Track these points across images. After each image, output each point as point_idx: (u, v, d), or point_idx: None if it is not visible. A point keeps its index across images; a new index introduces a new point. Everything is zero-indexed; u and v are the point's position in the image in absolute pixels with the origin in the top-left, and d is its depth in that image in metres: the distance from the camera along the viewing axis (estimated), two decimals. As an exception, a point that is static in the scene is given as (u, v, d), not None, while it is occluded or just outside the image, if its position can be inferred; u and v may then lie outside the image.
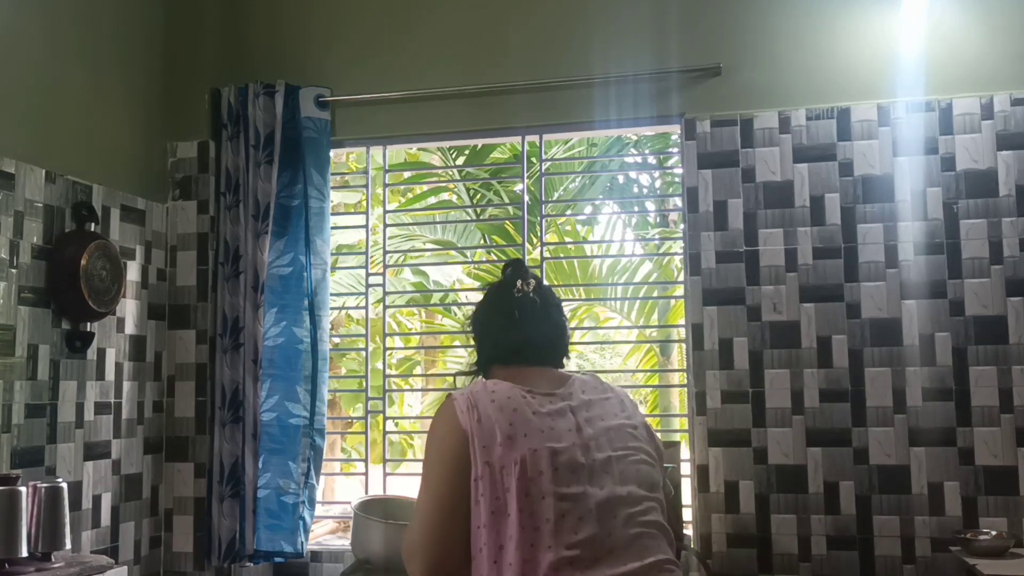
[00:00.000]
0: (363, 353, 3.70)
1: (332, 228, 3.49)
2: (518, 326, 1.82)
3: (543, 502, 1.57)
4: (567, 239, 6.40)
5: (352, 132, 3.52)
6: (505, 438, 1.61)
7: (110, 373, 3.15)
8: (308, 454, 3.28)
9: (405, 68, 3.46)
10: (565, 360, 1.90)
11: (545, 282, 1.92)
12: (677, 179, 3.44)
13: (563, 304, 1.94)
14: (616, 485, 1.63)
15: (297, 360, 3.32)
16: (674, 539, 1.71)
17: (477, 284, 6.74)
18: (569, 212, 5.90)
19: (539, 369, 1.80)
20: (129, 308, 3.26)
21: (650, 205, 6.83)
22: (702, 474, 3.07)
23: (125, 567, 2.85)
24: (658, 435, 1.82)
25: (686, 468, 3.12)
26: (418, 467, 2.68)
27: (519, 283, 1.86)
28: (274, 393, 3.31)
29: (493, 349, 1.86)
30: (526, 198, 3.66)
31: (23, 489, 2.42)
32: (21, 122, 2.85)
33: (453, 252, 6.72)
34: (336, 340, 4.94)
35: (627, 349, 7.13)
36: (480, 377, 1.85)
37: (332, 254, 3.56)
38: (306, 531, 3.27)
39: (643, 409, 7.26)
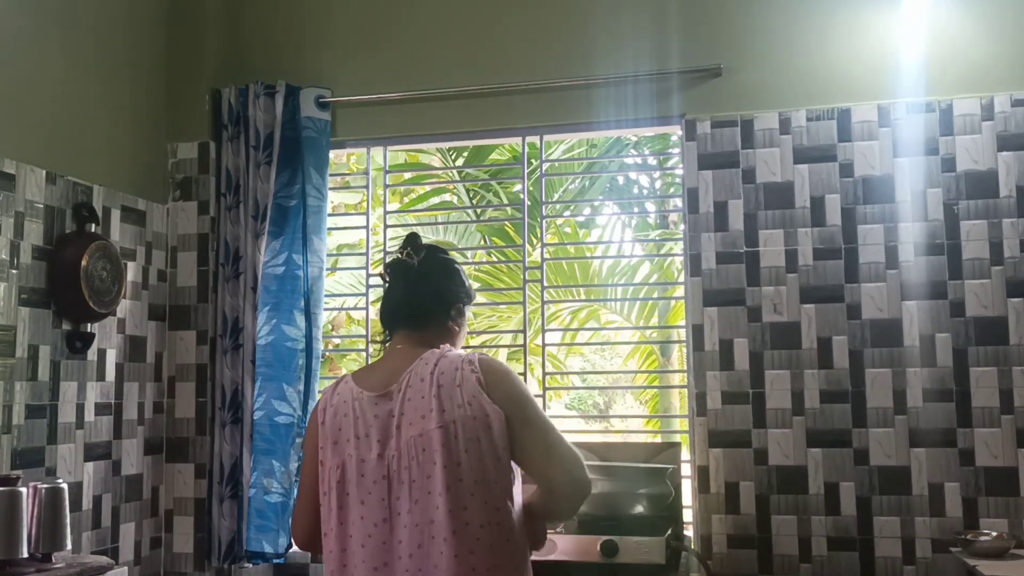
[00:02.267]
0: (363, 353, 3.70)
1: (333, 228, 3.49)
2: (394, 290, 2.00)
3: (354, 503, 1.80)
4: (567, 240, 6.40)
5: (352, 133, 3.52)
6: (332, 443, 1.84)
7: (110, 374, 3.15)
8: (302, 453, 3.26)
9: (405, 68, 3.46)
10: (452, 324, 2.00)
11: (447, 254, 2.08)
12: (677, 180, 3.44)
13: (456, 269, 2.06)
14: (411, 494, 1.76)
15: (288, 359, 3.30)
16: (497, 539, 1.75)
17: (478, 285, 6.73)
18: (569, 213, 5.90)
19: (406, 349, 1.92)
20: (129, 309, 3.26)
21: (650, 206, 6.83)
22: (702, 475, 3.07)
23: (125, 568, 2.86)
24: (492, 410, 1.78)
25: (686, 469, 3.13)
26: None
27: (404, 253, 2.00)
28: (263, 392, 3.30)
29: (382, 315, 2.02)
30: (526, 199, 3.67)
31: (23, 490, 2.42)
32: (21, 122, 2.85)
33: (453, 253, 6.69)
34: (336, 340, 4.93)
35: (627, 350, 7.13)
36: (348, 372, 2.05)
37: (332, 254, 3.55)
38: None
39: (644, 410, 7.25)
